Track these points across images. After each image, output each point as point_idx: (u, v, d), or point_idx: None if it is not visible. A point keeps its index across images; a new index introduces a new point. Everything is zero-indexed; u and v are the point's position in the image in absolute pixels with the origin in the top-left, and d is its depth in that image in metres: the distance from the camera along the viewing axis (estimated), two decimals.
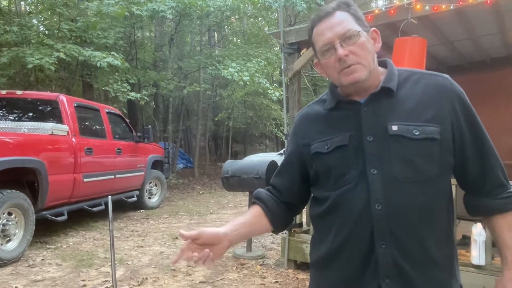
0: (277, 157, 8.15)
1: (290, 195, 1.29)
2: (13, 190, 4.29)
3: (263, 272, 4.10)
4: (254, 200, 1.29)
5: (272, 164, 4.74)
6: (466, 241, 3.54)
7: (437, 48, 4.93)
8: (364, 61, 1.09)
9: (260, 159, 4.79)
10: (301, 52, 4.25)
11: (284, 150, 13.71)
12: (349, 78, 1.10)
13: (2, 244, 4.13)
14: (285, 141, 4.57)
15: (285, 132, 4.56)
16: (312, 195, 1.27)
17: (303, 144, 1.22)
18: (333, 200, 1.14)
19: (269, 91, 10.87)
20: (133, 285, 3.68)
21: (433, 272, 1.08)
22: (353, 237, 1.10)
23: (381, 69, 1.17)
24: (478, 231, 3.10)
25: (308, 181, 1.26)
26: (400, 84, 1.14)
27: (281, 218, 1.29)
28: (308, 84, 5.19)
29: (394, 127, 1.09)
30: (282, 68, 4.52)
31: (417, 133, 1.07)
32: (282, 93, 10.23)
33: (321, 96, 1.28)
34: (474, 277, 3.05)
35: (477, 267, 3.12)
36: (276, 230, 1.30)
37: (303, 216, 4.47)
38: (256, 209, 1.26)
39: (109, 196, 1.91)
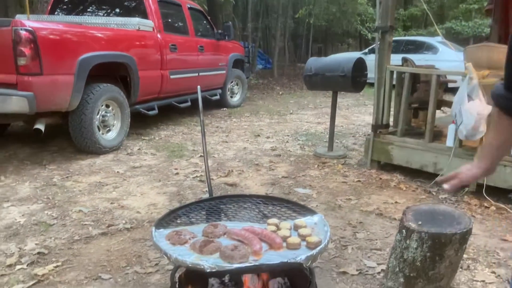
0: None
1: None
2: (109, 84, 4.57)
3: (344, 171, 4.10)
4: (496, 103, 1.09)
5: (360, 61, 4.44)
6: None
7: None
8: None
9: (345, 55, 4.48)
10: None
11: (368, 49, 12.83)
12: None
13: (103, 134, 4.54)
14: (376, 35, 4.16)
15: (376, 24, 4.13)
16: None
17: None
18: None
19: None
20: (220, 175, 3.91)
21: None
22: None
23: None
24: None
25: None
26: None
27: None
28: None
29: None
30: None
31: None
32: None
33: None
34: None
35: None
36: None
37: (391, 117, 4.26)
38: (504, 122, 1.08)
39: (198, 86, 1.89)
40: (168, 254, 1.20)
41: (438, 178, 1.22)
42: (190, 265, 1.15)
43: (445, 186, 1.17)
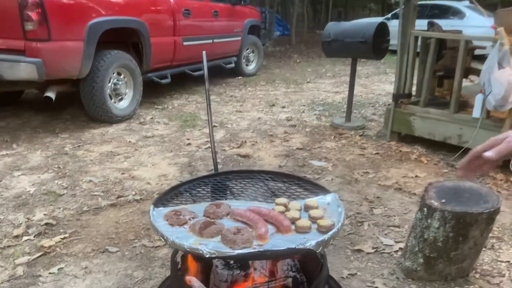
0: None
1: None
2: (120, 51, 4.43)
3: (362, 143, 3.94)
4: None
5: (382, 26, 4.17)
6: None
7: None
8: None
9: (367, 21, 4.20)
10: None
11: (391, 15, 12.26)
12: None
13: (115, 102, 4.46)
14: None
15: None
16: None
17: None
18: None
19: None
20: (233, 146, 3.80)
21: None
22: None
23: None
24: None
25: None
26: None
27: None
28: None
29: None
30: None
31: None
32: None
33: None
34: None
35: None
36: None
37: (413, 86, 4.03)
38: None
39: (204, 52, 1.74)
40: (165, 236, 1.10)
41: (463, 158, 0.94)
42: (188, 250, 1.05)
43: (488, 154, 0.86)
